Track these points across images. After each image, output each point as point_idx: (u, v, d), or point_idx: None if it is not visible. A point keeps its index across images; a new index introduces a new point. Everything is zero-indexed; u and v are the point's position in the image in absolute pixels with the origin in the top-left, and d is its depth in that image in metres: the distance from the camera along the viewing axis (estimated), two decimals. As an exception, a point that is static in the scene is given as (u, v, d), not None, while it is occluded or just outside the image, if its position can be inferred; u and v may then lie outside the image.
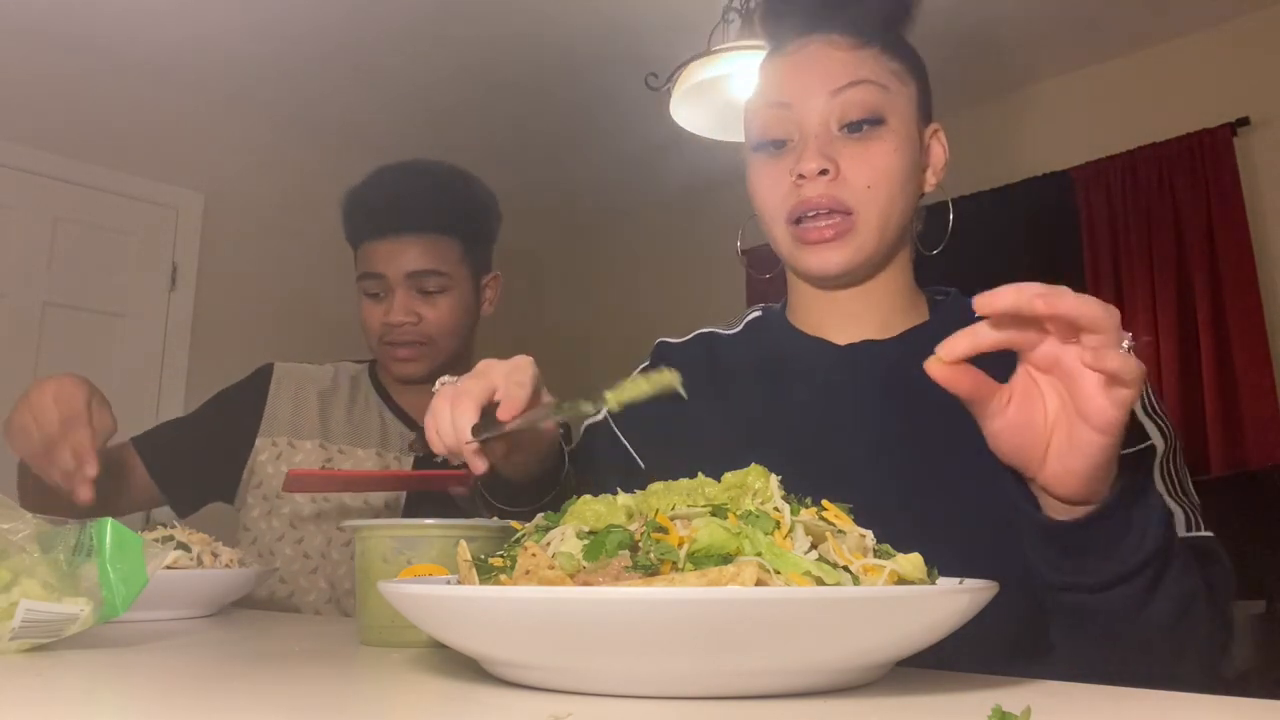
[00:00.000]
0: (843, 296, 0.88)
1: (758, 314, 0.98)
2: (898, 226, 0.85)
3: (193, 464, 1.39)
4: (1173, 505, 0.75)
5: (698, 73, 2.19)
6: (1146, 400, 0.79)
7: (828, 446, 0.82)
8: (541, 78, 3.52)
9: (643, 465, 0.91)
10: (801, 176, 0.81)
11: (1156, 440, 0.77)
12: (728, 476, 0.55)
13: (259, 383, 1.44)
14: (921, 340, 0.83)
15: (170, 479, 1.36)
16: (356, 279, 1.42)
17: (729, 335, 0.98)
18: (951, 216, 0.89)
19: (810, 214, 0.82)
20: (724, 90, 2.25)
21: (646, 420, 0.89)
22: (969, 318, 0.85)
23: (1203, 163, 3.12)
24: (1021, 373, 0.60)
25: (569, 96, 3.65)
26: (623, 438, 0.93)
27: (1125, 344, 0.55)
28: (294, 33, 3.23)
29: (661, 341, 1.00)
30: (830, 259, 0.83)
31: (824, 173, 0.81)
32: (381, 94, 3.67)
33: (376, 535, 0.76)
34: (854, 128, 0.82)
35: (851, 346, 0.87)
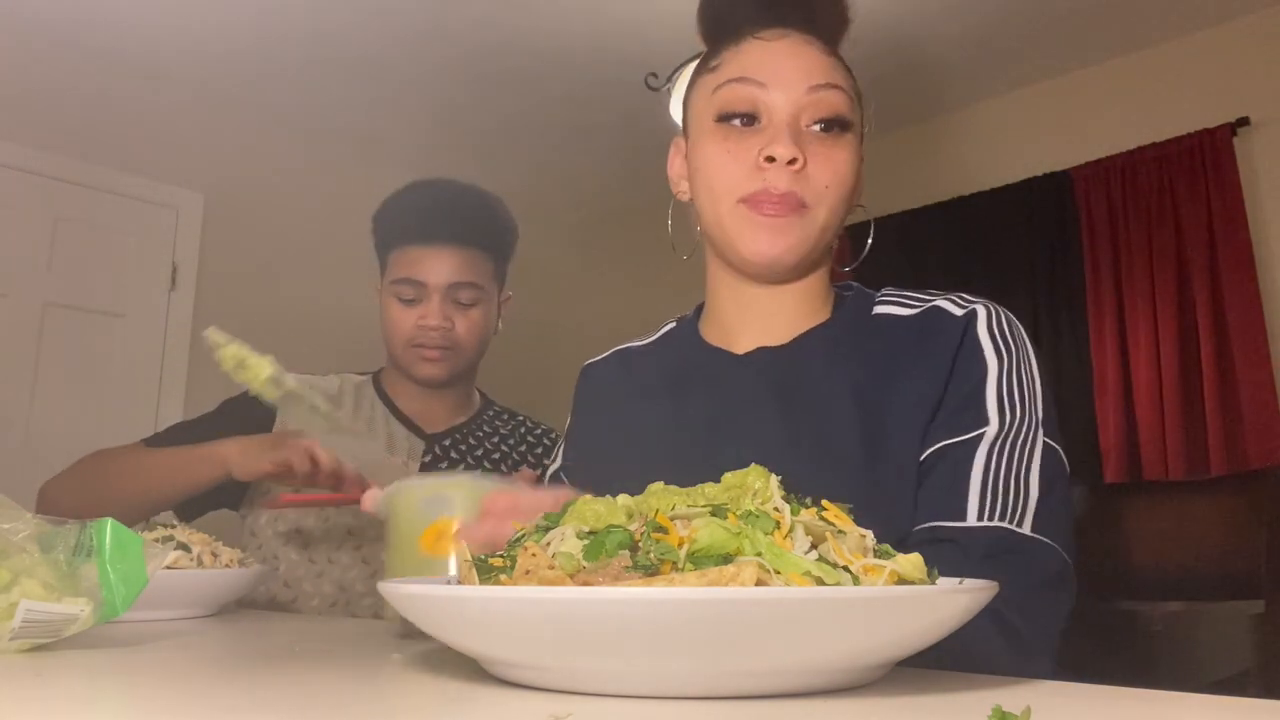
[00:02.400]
0: (761, 295, 0.88)
1: (672, 325, 0.99)
2: (833, 233, 0.86)
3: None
4: (981, 489, 0.74)
5: (698, 73, 2.19)
6: (1005, 380, 0.78)
7: (718, 455, 0.77)
8: (541, 77, 3.52)
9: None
10: (770, 159, 0.80)
11: (993, 424, 0.76)
12: (728, 477, 0.55)
13: None
14: (814, 342, 0.87)
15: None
16: (389, 282, 1.44)
17: (641, 347, 1.00)
18: (870, 239, 0.91)
19: (769, 202, 0.81)
20: (724, 90, 2.25)
21: (589, 451, 0.95)
22: (864, 317, 0.88)
23: (1203, 163, 3.12)
24: None
25: (569, 96, 3.65)
26: (566, 479, 0.97)
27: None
28: (294, 33, 3.23)
29: (585, 366, 1.04)
30: (778, 240, 0.82)
31: (793, 162, 0.80)
32: (381, 94, 3.67)
33: (406, 493, 0.77)
34: (826, 126, 0.83)
35: (747, 355, 0.88)
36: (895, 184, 3.65)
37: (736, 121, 0.83)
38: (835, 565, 0.48)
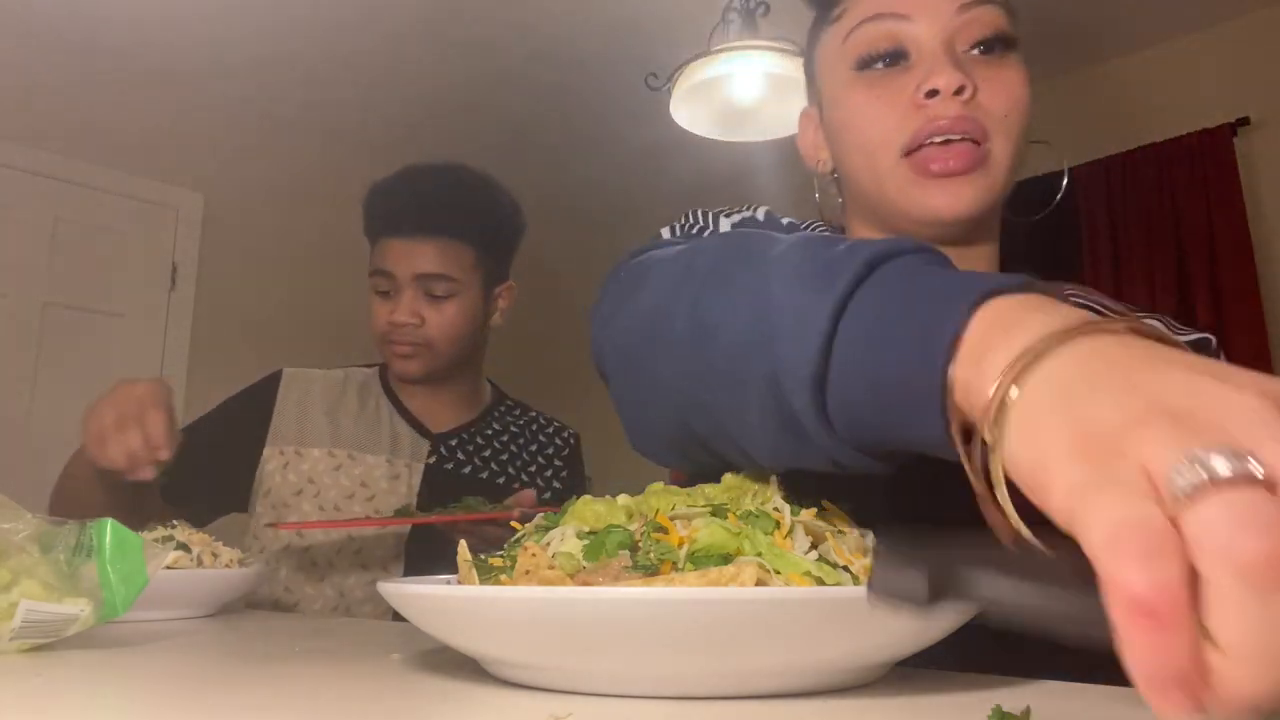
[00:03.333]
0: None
1: None
2: (1015, 175, 0.73)
3: (204, 480, 1.36)
4: None
5: (698, 73, 2.19)
6: None
7: None
8: (541, 78, 3.52)
9: None
10: (932, 93, 0.68)
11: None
12: (728, 477, 0.55)
13: (266, 390, 1.44)
14: None
15: (181, 497, 1.32)
16: (369, 274, 1.41)
17: None
18: (1066, 179, 0.79)
19: (940, 139, 0.68)
20: (724, 90, 2.25)
21: None
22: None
23: (1203, 163, 3.12)
24: None
25: (569, 96, 3.65)
26: None
27: None
28: (294, 33, 3.23)
29: None
30: (962, 194, 0.68)
31: (960, 90, 0.68)
32: (381, 94, 3.67)
33: None
34: (987, 47, 0.70)
35: None
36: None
37: (880, 65, 0.71)
38: (835, 565, 0.48)
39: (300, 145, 3.92)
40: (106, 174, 3.41)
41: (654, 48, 3.04)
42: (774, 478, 0.54)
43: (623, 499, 0.54)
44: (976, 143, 0.68)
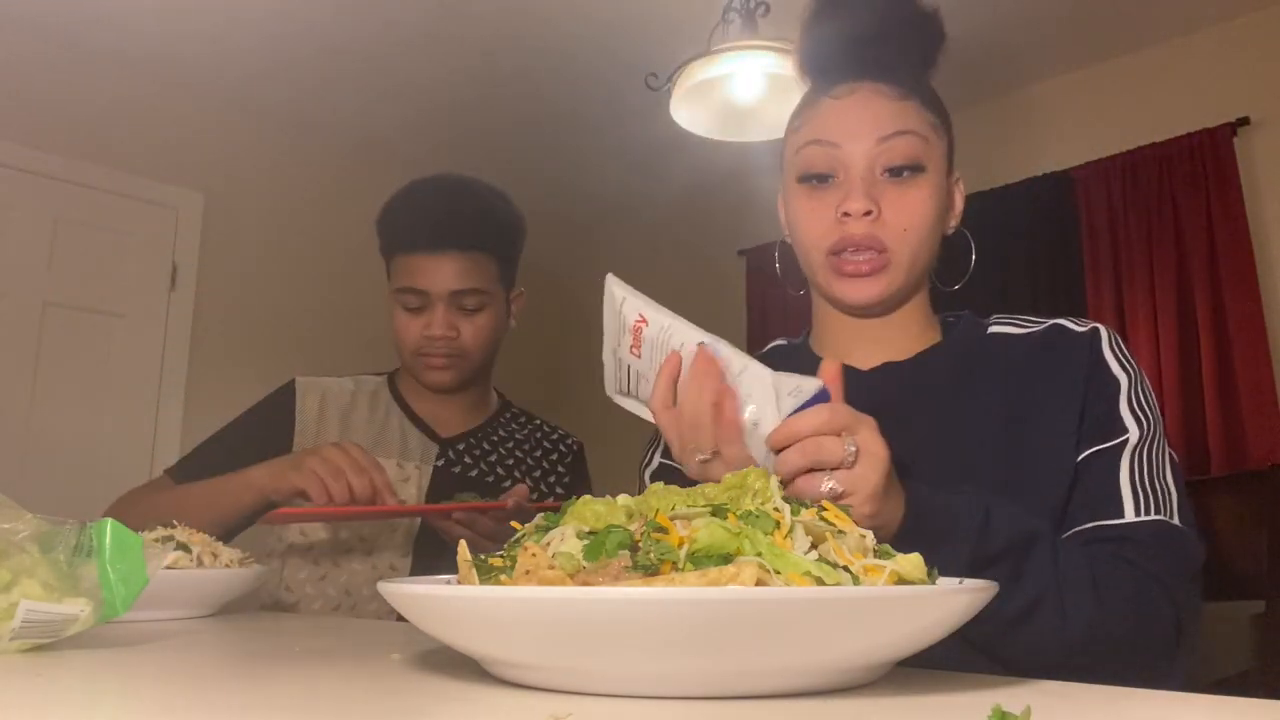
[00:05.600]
0: (868, 324, 0.94)
1: (781, 343, 1.04)
2: (924, 265, 0.91)
3: None
4: (1132, 490, 0.82)
5: (698, 73, 2.19)
6: (1134, 393, 0.86)
7: None
8: (542, 78, 3.52)
9: None
10: (847, 214, 0.87)
11: (1133, 433, 0.84)
12: (728, 477, 0.55)
13: (284, 399, 1.45)
14: (934, 360, 0.93)
15: None
16: (393, 290, 1.42)
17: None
18: (974, 255, 0.97)
19: (850, 249, 0.88)
20: (724, 90, 2.25)
21: None
22: (979, 337, 0.93)
23: (1203, 163, 3.12)
24: None
25: (569, 96, 3.65)
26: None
27: (849, 448, 0.64)
28: (294, 33, 3.23)
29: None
30: (865, 291, 0.89)
31: (868, 213, 0.87)
32: (381, 94, 3.67)
33: None
34: (895, 173, 0.88)
35: (873, 370, 0.93)
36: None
37: (814, 181, 0.91)
38: (835, 565, 0.48)
39: (300, 145, 3.92)
40: (106, 174, 3.41)
41: (654, 48, 3.04)
42: (774, 478, 0.54)
43: (623, 499, 0.54)
44: (880, 251, 0.88)
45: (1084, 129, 3.45)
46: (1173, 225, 3.17)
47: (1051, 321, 0.92)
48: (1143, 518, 0.81)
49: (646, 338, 0.76)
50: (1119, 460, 0.83)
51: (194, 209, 3.63)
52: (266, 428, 1.42)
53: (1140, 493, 0.82)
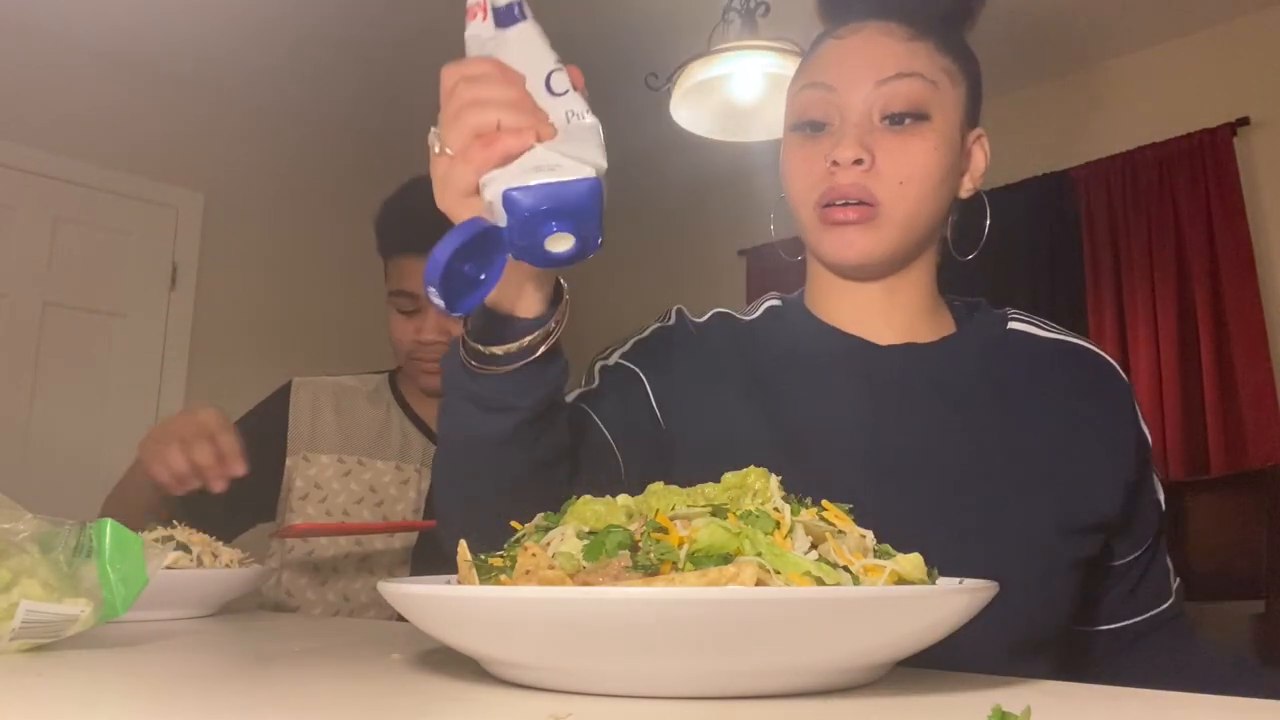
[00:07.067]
0: (866, 290, 0.85)
1: (775, 303, 0.92)
2: (926, 226, 0.83)
3: (230, 496, 1.36)
4: (1171, 567, 0.89)
5: (698, 73, 2.19)
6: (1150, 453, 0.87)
7: (880, 451, 0.80)
8: (541, 78, 3.52)
9: (664, 425, 0.84)
10: (835, 163, 0.79)
11: (1161, 499, 0.87)
12: (727, 477, 0.55)
13: (279, 401, 1.44)
14: (956, 349, 0.85)
15: (205, 515, 1.27)
16: (388, 292, 1.41)
17: (748, 321, 0.90)
18: (988, 221, 0.91)
19: (839, 201, 0.79)
20: (724, 90, 2.25)
21: (682, 392, 0.84)
22: (999, 333, 0.88)
23: (1203, 163, 3.12)
24: None
25: (569, 96, 3.65)
26: (653, 400, 0.84)
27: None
28: (294, 33, 3.24)
29: (681, 309, 0.91)
30: (853, 244, 0.80)
31: (858, 162, 0.78)
32: (381, 94, 3.67)
33: None
34: (895, 120, 0.80)
35: (894, 348, 0.84)
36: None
37: (808, 129, 0.83)
38: (835, 565, 0.48)
39: (301, 145, 3.92)
40: (106, 174, 3.41)
41: (654, 48, 3.04)
42: (774, 478, 0.54)
43: (623, 499, 0.54)
44: (869, 205, 0.79)
45: (1084, 129, 3.45)
46: (1173, 225, 3.17)
47: (1076, 339, 0.87)
48: (1175, 583, 0.88)
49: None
50: (1161, 539, 0.87)
51: (194, 209, 3.63)
52: (261, 430, 1.41)
53: (1171, 564, 0.89)
